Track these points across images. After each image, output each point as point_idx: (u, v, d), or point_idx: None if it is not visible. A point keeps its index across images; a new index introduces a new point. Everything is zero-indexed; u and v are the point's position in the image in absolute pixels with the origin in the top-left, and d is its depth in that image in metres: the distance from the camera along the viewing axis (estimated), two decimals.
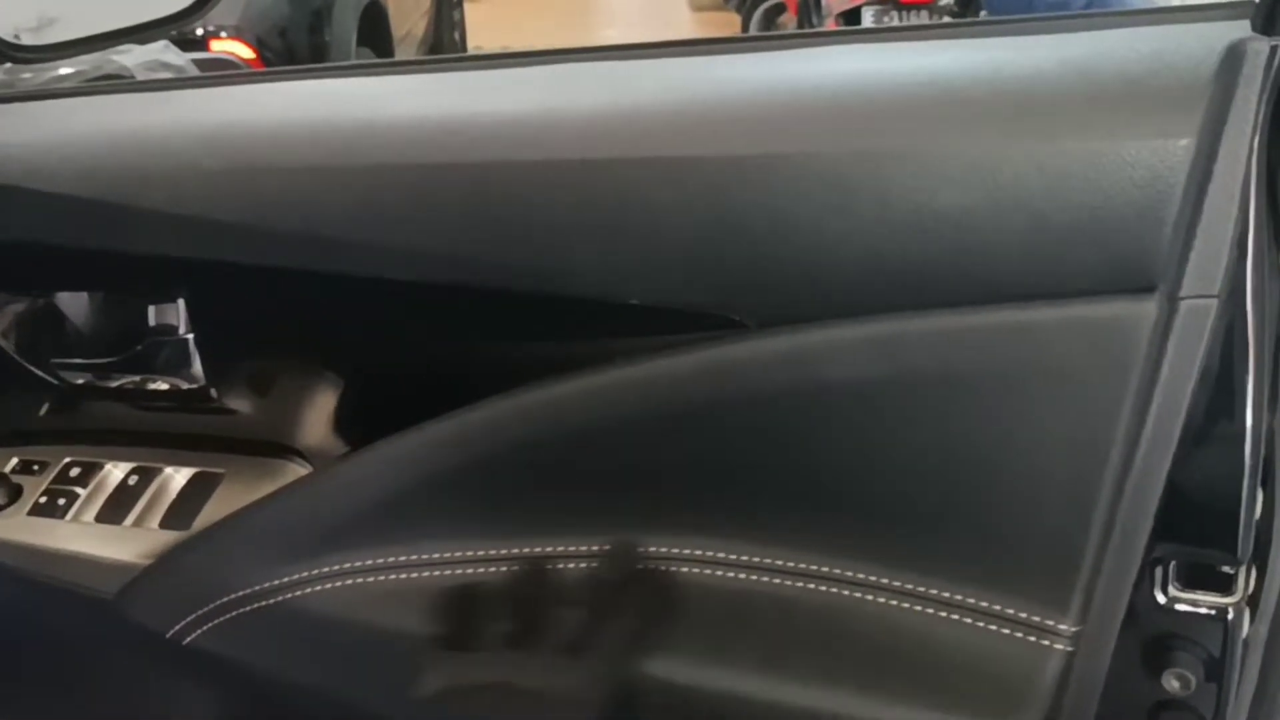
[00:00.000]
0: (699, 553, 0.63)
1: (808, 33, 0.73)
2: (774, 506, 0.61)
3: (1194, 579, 0.57)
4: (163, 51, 1.98)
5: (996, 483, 0.57)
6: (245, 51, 2.90)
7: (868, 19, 3.27)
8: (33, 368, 0.79)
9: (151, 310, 0.74)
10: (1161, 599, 0.57)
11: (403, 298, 0.67)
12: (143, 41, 1.21)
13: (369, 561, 0.69)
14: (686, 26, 6.62)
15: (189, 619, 0.73)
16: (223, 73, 1.04)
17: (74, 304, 0.78)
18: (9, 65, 0.96)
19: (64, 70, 1.46)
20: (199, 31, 2.81)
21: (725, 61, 0.66)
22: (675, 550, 0.63)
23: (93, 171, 0.71)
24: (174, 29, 1.22)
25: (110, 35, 1.06)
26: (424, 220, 0.64)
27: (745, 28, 4.81)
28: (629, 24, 6.81)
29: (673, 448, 0.62)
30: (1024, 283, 0.54)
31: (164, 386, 0.77)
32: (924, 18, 3.13)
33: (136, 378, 0.78)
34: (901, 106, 0.57)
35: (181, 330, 0.74)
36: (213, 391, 0.76)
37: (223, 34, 2.88)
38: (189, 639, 0.73)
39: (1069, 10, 1.64)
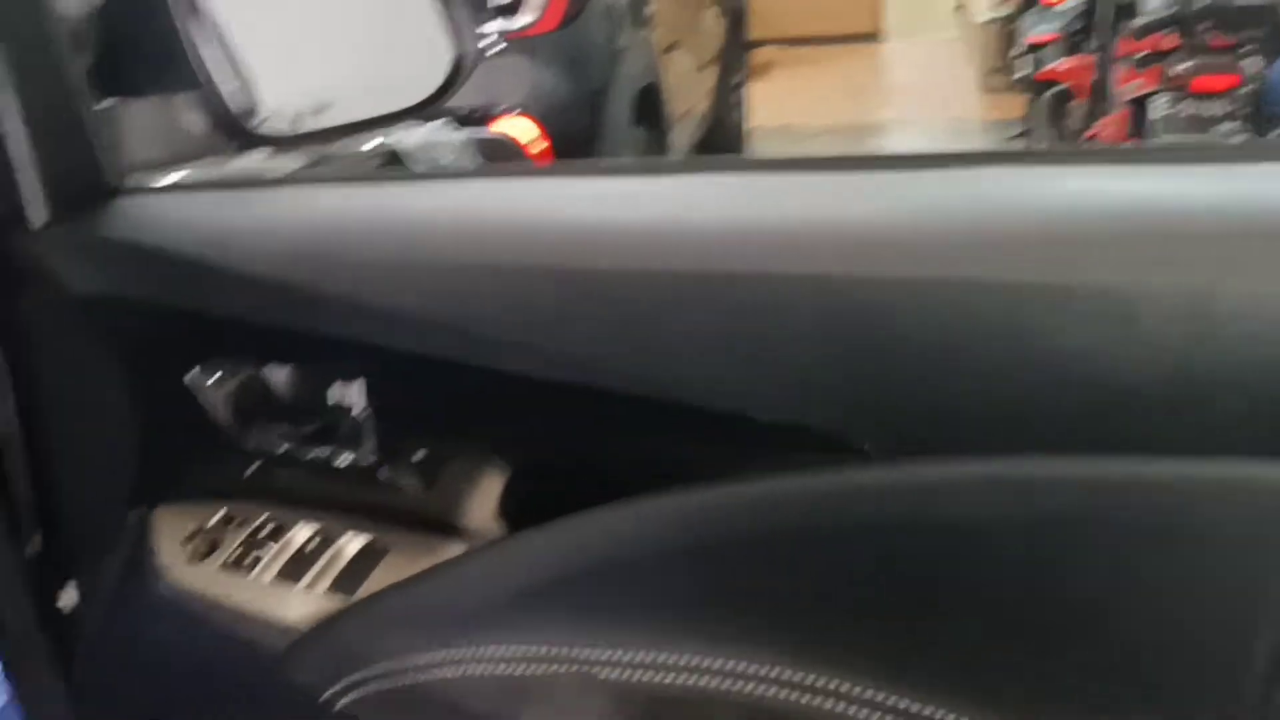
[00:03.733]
0: (805, 678, 0.60)
1: (940, 155, 0.70)
2: (884, 639, 0.58)
3: None
4: (439, 130, 2.14)
5: (1130, 641, 0.51)
6: (529, 129, 3.07)
7: (1160, 106, 3.08)
8: (240, 433, 0.86)
9: (337, 388, 0.80)
10: None
11: (551, 396, 0.69)
12: (383, 128, 1.30)
13: (502, 649, 0.70)
14: (974, 109, 6.47)
15: (339, 686, 0.76)
16: (413, 173, 1.11)
17: (276, 377, 0.85)
18: (270, 150, 1.06)
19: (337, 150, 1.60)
20: (485, 112, 3.01)
21: (862, 180, 0.65)
22: (776, 673, 0.60)
23: (294, 256, 0.77)
24: (413, 119, 1.31)
25: (353, 126, 1.16)
26: (568, 323, 0.66)
27: (1029, 111, 4.64)
28: (912, 104, 6.74)
29: (785, 570, 0.60)
30: (1166, 433, 0.49)
31: (344, 460, 0.82)
32: (1218, 106, 2.91)
33: (326, 450, 0.83)
34: (1038, 234, 0.54)
35: (359, 410, 0.79)
36: (384, 469, 0.80)
37: (509, 111, 3.07)
38: (339, 705, 0.77)
39: None
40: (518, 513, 0.80)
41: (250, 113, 1.07)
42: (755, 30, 7.61)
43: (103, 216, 0.89)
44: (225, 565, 0.85)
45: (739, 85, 5.73)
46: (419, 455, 0.80)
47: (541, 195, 0.75)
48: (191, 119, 1.02)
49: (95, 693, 1.07)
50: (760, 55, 7.96)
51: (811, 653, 0.61)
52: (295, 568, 0.83)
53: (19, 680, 1.15)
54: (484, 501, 0.80)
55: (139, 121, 0.99)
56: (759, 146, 5.79)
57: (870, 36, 8.41)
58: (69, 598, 1.09)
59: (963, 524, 0.55)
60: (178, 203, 0.89)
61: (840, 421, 0.57)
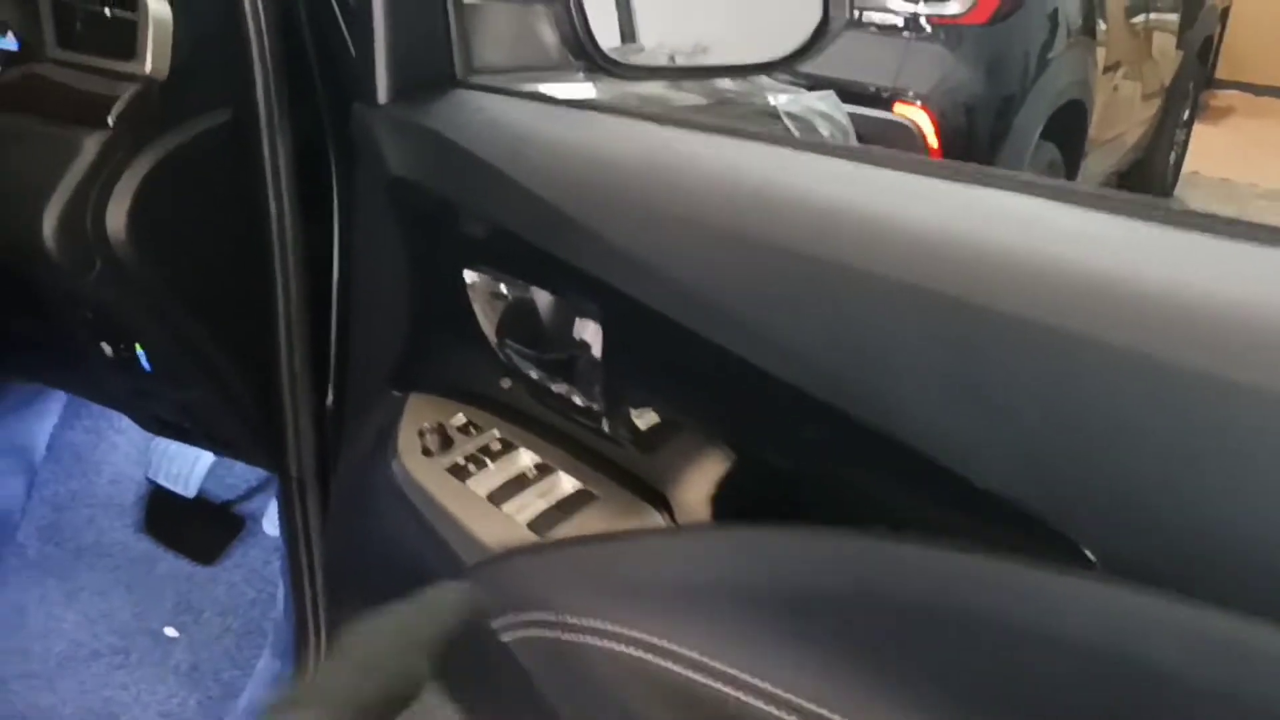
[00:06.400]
0: None
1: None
2: None
3: None
4: (821, 100, 2.08)
5: None
6: (926, 121, 2.94)
7: None
8: (499, 345, 0.86)
9: (582, 326, 0.77)
10: None
11: (775, 394, 0.63)
12: (730, 77, 1.26)
13: (662, 642, 0.66)
14: None
15: (505, 619, 0.75)
16: (703, 121, 1.05)
17: (541, 299, 0.84)
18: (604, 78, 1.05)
19: (695, 99, 1.58)
20: (885, 93, 2.90)
21: (1150, 232, 0.53)
22: None
23: (570, 181, 0.75)
24: (767, 72, 1.26)
25: (702, 70, 1.13)
26: (808, 318, 0.59)
27: None
28: None
29: (960, 663, 0.51)
30: None
31: (577, 399, 0.80)
32: None
33: (567, 386, 0.82)
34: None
35: (597, 352, 0.76)
36: (606, 418, 0.78)
37: (910, 98, 2.94)
38: (503, 637, 0.75)
39: None
40: (730, 504, 0.74)
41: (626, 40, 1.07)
42: (1223, 70, 6.89)
43: (432, 104, 0.91)
44: (451, 468, 0.86)
45: (1184, 124, 5.23)
46: (645, 417, 0.77)
47: (815, 174, 0.68)
48: (547, 32, 1.03)
49: (339, 549, 1.14)
50: (1221, 98, 7.23)
51: None
52: (506, 491, 0.82)
53: (290, 523, 1.24)
54: (699, 482, 0.76)
55: (497, 23, 1.01)
56: (1186, 195, 5.27)
57: None
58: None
59: (1172, 674, 0.44)
60: (496, 104, 0.89)
61: (1056, 508, 0.47)
